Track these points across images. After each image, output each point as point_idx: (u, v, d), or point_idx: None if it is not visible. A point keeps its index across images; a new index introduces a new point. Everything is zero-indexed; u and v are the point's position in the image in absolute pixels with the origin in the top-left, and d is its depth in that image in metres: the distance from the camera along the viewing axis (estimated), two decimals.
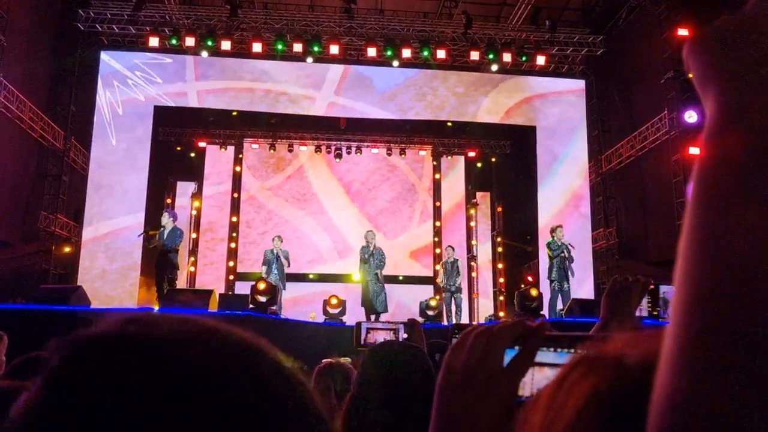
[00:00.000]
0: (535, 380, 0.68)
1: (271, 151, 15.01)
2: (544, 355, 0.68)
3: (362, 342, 1.80)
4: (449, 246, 12.17)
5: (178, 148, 15.18)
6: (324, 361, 2.88)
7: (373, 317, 10.19)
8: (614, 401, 0.44)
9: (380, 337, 1.79)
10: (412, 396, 1.73)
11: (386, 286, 11.12)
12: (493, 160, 16.10)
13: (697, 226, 0.40)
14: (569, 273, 10.41)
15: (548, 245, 10.70)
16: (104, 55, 12.95)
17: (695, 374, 0.35)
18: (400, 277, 14.86)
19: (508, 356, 0.69)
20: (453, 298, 11.36)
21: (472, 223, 15.84)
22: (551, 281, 10.46)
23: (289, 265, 11.11)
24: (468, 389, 0.68)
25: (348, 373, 2.78)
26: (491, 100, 13.75)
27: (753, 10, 0.42)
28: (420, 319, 8.40)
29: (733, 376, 0.34)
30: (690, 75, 0.46)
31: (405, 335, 1.75)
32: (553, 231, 10.72)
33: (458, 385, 0.68)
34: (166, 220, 9.86)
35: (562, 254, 10.39)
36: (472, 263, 15.41)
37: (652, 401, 0.37)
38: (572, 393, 0.47)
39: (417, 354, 1.84)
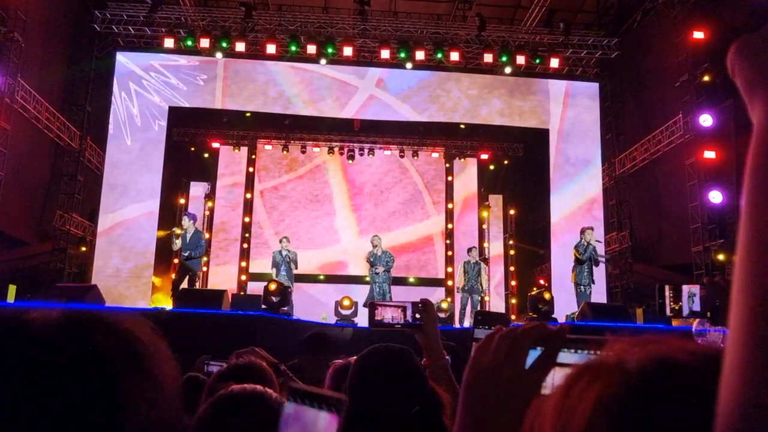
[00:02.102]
0: (556, 379, 0.70)
1: (284, 152, 15.07)
2: (565, 356, 0.71)
3: (375, 320, 1.83)
4: (474, 247, 12.17)
5: (192, 149, 15.30)
6: (337, 362, 2.89)
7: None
8: (620, 406, 0.46)
9: (388, 314, 1.82)
10: (403, 400, 1.75)
11: (398, 288, 11.12)
12: (506, 162, 16.07)
13: (752, 237, 0.40)
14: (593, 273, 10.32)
15: (576, 247, 10.41)
16: (120, 56, 13.06)
17: (762, 383, 0.36)
18: (411, 279, 14.87)
19: (531, 357, 0.72)
20: (470, 299, 11.34)
21: (485, 226, 15.82)
22: (577, 284, 10.30)
23: (296, 268, 11.16)
24: (493, 388, 0.71)
25: None
26: (504, 103, 13.72)
27: None
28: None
29: None
30: (735, 80, 0.46)
31: (417, 315, 1.77)
32: (582, 233, 10.46)
33: (484, 384, 0.72)
34: (187, 223, 9.92)
35: (591, 256, 10.25)
36: (484, 265, 15.37)
37: (719, 408, 0.38)
38: (580, 400, 0.49)
39: (406, 357, 1.85)
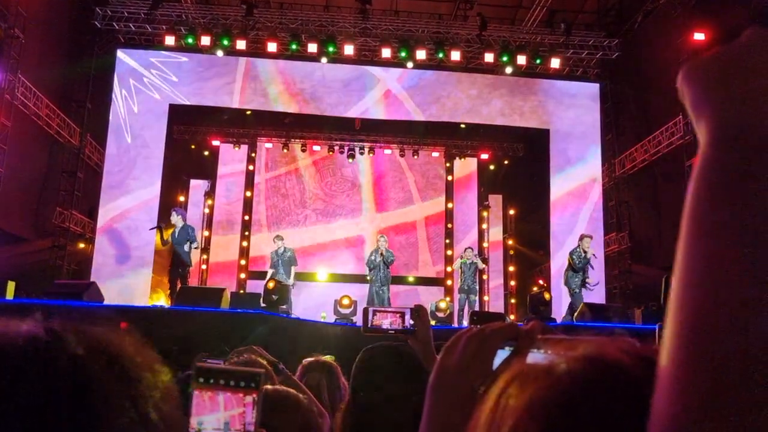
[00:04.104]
0: None
1: (285, 150, 15.08)
2: (535, 357, 0.70)
3: (369, 325, 1.82)
4: (468, 248, 12.14)
5: (192, 147, 15.30)
6: (307, 360, 2.90)
7: None
8: (547, 407, 0.46)
9: (386, 320, 1.81)
10: (406, 400, 1.75)
11: (397, 287, 11.10)
12: (506, 162, 16.07)
13: (688, 254, 0.41)
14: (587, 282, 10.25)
15: (572, 254, 10.31)
16: (120, 53, 13.05)
17: (691, 403, 0.37)
18: (410, 279, 14.88)
19: (500, 358, 0.70)
20: (468, 299, 11.34)
21: (484, 226, 15.82)
22: (570, 287, 10.28)
23: (296, 265, 11.13)
24: (459, 389, 0.70)
25: (332, 370, 2.81)
26: (505, 103, 13.72)
27: (744, 46, 0.44)
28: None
29: (726, 409, 0.36)
30: (684, 102, 0.48)
31: (412, 322, 1.77)
32: (581, 239, 10.35)
33: (449, 385, 0.71)
34: (175, 218, 9.94)
35: (585, 266, 10.20)
36: (483, 265, 15.39)
37: (651, 422, 0.39)
38: (509, 406, 0.49)
39: (408, 357, 1.86)
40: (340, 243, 14.97)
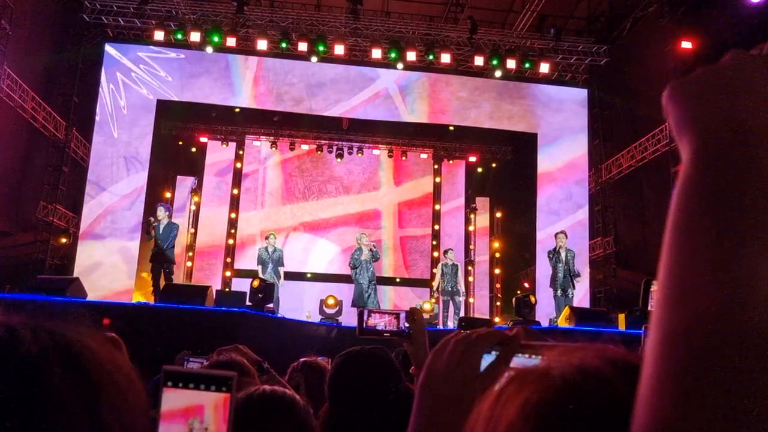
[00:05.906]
0: None
1: (273, 148, 15.03)
2: (519, 361, 0.71)
3: (365, 327, 1.83)
4: (449, 249, 12.16)
5: (180, 143, 15.21)
6: (300, 359, 2.89)
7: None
8: (542, 411, 0.48)
9: (381, 322, 1.82)
10: (382, 402, 1.76)
11: (383, 287, 11.09)
12: (494, 165, 16.13)
13: (670, 268, 0.42)
14: (573, 281, 10.36)
15: (548, 254, 10.61)
16: (109, 48, 12.95)
17: (670, 412, 0.38)
18: (397, 280, 14.88)
19: (486, 361, 0.73)
20: (452, 301, 11.35)
21: (471, 228, 15.87)
22: (555, 289, 10.39)
23: (282, 266, 11.10)
24: (446, 391, 0.72)
25: (323, 371, 2.80)
26: (494, 106, 13.77)
27: (727, 67, 0.45)
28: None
29: (705, 417, 0.36)
30: (668, 120, 0.49)
31: (407, 324, 1.77)
32: (555, 237, 10.66)
33: (437, 387, 0.73)
34: (162, 214, 9.86)
35: (563, 262, 10.32)
36: (470, 267, 15.43)
37: (634, 424, 0.40)
38: (507, 406, 0.50)
39: (379, 358, 1.87)
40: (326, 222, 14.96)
